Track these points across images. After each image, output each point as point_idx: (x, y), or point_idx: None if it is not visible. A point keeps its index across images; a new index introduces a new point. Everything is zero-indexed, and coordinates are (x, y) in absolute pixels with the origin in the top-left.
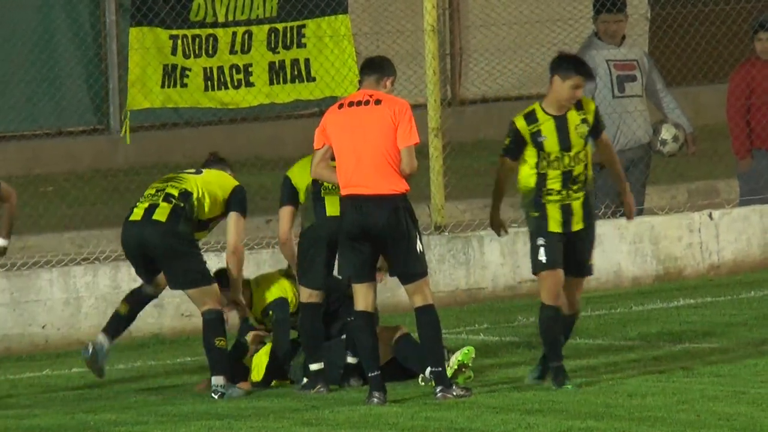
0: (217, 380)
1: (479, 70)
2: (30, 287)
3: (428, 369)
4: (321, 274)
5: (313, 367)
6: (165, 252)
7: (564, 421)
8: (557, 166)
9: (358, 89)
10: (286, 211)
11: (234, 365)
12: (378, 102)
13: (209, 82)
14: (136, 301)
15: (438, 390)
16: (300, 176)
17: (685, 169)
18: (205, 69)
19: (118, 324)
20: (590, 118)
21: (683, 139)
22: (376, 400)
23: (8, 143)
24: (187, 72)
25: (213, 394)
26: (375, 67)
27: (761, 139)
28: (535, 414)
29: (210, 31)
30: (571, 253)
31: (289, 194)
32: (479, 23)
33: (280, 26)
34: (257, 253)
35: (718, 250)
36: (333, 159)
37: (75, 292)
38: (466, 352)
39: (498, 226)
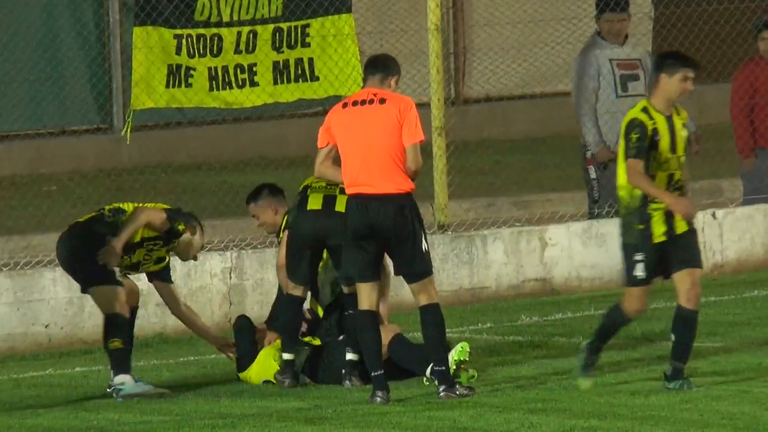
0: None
1: (483, 69)
2: (33, 286)
3: (430, 368)
4: (306, 270)
5: (286, 356)
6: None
7: (567, 420)
8: (666, 167)
9: (362, 88)
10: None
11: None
12: (382, 101)
13: (214, 82)
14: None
15: (441, 389)
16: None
17: (689, 168)
18: (209, 68)
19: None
20: (687, 125)
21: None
22: (379, 399)
23: (12, 142)
24: (192, 71)
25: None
26: (379, 66)
27: (765, 138)
28: (538, 413)
29: (215, 30)
30: (680, 250)
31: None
32: (483, 22)
33: (284, 26)
34: (261, 253)
35: (721, 250)
36: (337, 158)
37: (78, 291)
38: (461, 349)
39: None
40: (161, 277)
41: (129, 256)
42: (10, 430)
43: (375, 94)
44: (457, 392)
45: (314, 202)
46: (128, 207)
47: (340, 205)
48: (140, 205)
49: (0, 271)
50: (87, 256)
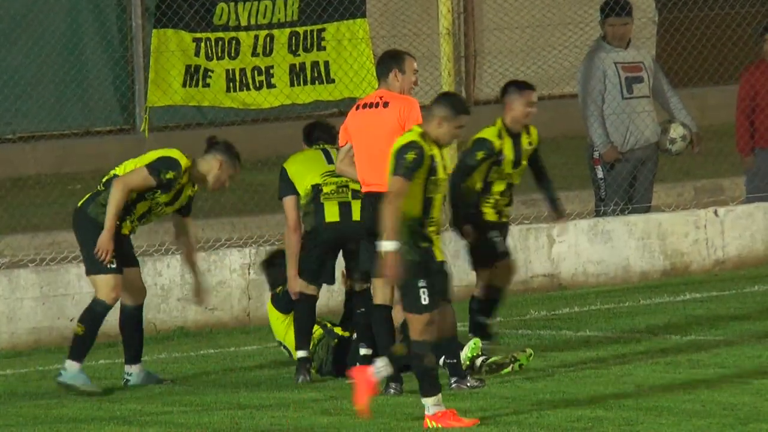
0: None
1: (493, 71)
2: (59, 281)
3: (442, 360)
4: (328, 272)
5: (300, 354)
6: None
7: (574, 411)
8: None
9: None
10: (291, 200)
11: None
12: (386, 104)
13: (231, 84)
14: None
15: (453, 380)
16: (295, 169)
17: (692, 167)
18: (227, 71)
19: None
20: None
21: (690, 138)
22: (393, 390)
23: (38, 142)
24: (210, 73)
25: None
26: (378, 68)
27: (765, 138)
28: (545, 404)
29: (233, 34)
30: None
31: (289, 186)
32: (493, 26)
33: (300, 30)
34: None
35: (723, 246)
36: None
37: None
38: (473, 345)
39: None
40: (180, 211)
41: (131, 213)
42: (36, 419)
43: (381, 97)
44: (468, 384)
45: (331, 213)
46: (120, 171)
47: (356, 214)
48: (132, 164)
49: (26, 267)
50: (83, 245)
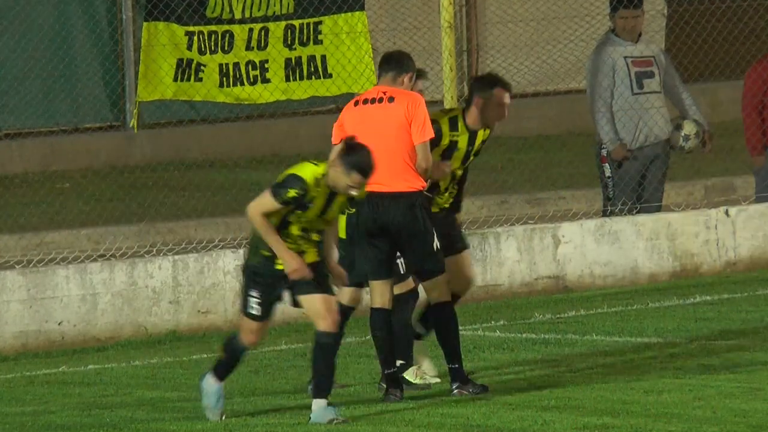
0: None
1: (496, 66)
2: (46, 284)
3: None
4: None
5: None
6: None
7: (580, 418)
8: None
9: (376, 85)
10: None
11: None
12: (391, 99)
13: (225, 78)
14: None
15: (455, 386)
16: None
17: (702, 165)
18: (220, 65)
19: None
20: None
21: (702, 136)
22: (393, 397)
23: (25, 139)
24: (203, 67)
25: None
26: (392, 64)
27: None
28: (551, 411)
29: (226, 27)
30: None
31: None
32: (496, 20)
33: (296, 23)
34: None
35: (734, 247)
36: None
37: (91, 288)
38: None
39: None
40: None
41: (291, 239)
42: (23, 427)
43: (385, 93)
44: (471, 389)
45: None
46: (300, 171)
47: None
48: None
49: (13, 269)
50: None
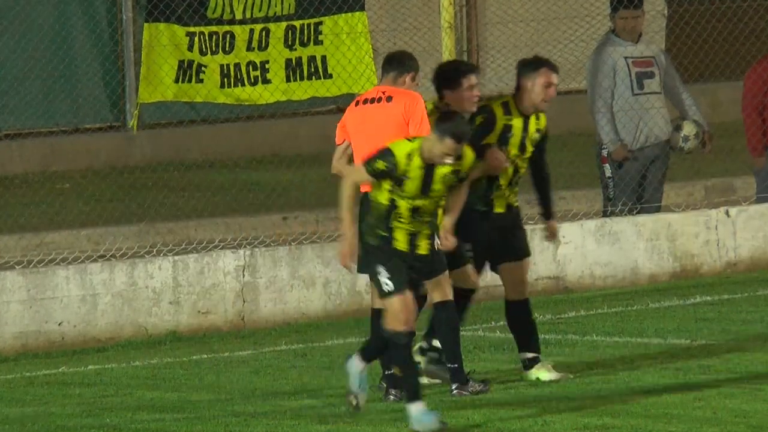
0: None
1: (496, 66)
2: (46, 284)
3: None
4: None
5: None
6: None
7: (580, 419)
8: None
9: (377, 85)
10: None
11: None
12: (389, 99)
13: (226, 79)
14: None
15: (454, 387)
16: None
17: (702, 166)
18: (221, 66)
19: None
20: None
21: (702, 136)
22: (392, 397)
23: (25, 140)
24: (204, 68)
25: None
26: (394, 64)
27: None
28: (551, 411)
29: (227, 28)
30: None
31: None
32: (496, 20)
33: (297, 23)
34: (274, 250)
35: (734, 247)
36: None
37: (91, 289)
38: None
39: None
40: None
41: (400, 219)
42: (23, 427)
43: (384, 92)
44: (470, 389)
45: None
46: (393, 145)
47: None
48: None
49: (13, 269)
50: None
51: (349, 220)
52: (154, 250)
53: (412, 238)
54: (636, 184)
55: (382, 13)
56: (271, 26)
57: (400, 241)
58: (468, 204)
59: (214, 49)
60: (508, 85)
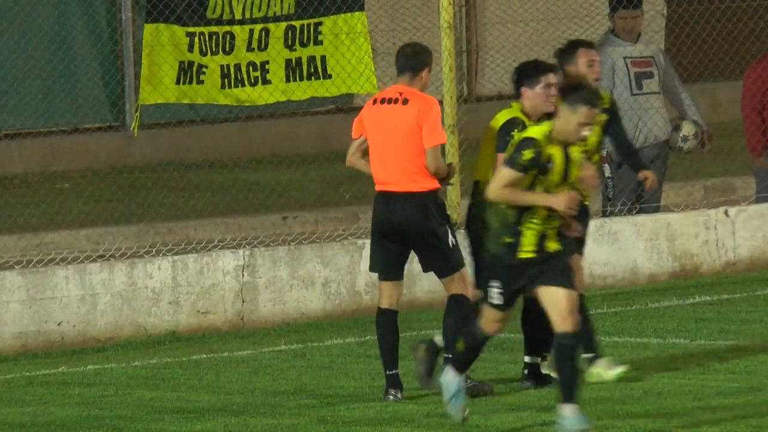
0: None
1: (495, 66)
2: (46, 284)
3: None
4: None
5: (528, 359)
6: None
7: None
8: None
9: (395, 84)
10: None
11: None
12: (405, 101)
13: (226, 80)
14: None
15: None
16: None
17: (702, 165)
18: (221, 66)
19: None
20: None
21: (701, 136)
22: (392, 397)
23: (25, 140)
24: (204, 69)
25: None
26: (409, 61)
27: None
28: (550, 411)
29: (227, 28)
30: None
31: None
32: (496, 20)
33: (297, 24)
34: (273, 250)
35: (734, 247)
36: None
37: (91, 289)
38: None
39: None
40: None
41: (536, 214)
42: (23, 427)
43: (401, 93)
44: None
45: None
46: (527, 133)
47: None
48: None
49: (12, 269)
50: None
51: (534, 193)
52: (154, 250)
53: (541, 240)
54: (635, 184)
55: (381, 13)
56: (271, 26)
57: (527, 247)
58: None
59: (214, 49)
60: (507, 84)
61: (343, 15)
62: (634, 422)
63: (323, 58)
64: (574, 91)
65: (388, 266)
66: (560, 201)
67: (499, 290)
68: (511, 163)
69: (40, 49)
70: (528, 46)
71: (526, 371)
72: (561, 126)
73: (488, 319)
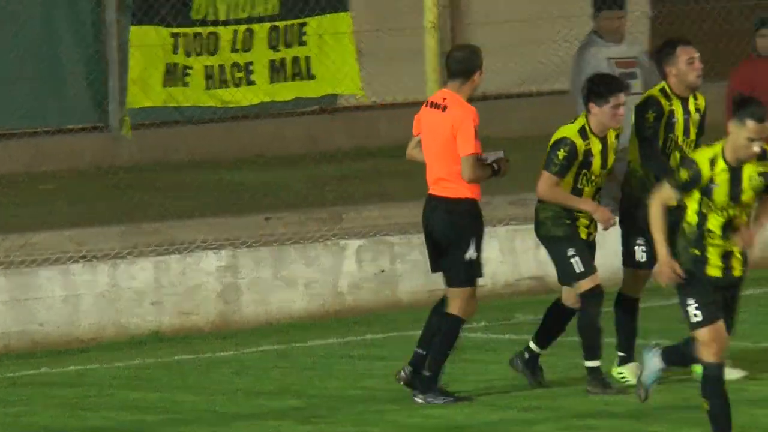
0: None
1: None
2: (29, 285)
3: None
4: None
5: (589, 364)
6: None
7: (563, 419)
8: None
9: (447, 86)
10: None
11: None
12: (445, 108)
13: (210, 81)
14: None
15: (418, 395)
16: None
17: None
18: (206, 67)
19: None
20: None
21: None
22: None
23: (9, 141)
24: (189, 70)
25: None
26: (460, 66)
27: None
28: (533, 411)
29: (211, 29)
30: None
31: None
32: (481, 20)
33: (281, 24)
34: (256, 251)
35: None
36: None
37: (74, 289)
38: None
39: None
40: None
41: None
42: (5, 428)
43: (444, 99)
44: (428, 400)
45: None
46: (700, 152)
47: None
48: None
49: None
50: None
51: (661, 241)
52: (137, 250)
53: (725, 259)
54: (619, 185)
55: (366, 14)
56: (255, 27)
57: (713, 265)
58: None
59: (198, 50)
60: (492, 85)
61: (327, 15)
62: (617, 423)
63: (307, 59)
64: (742, 106)
65: (430, 262)
66: (657, 272)
67: (695, 306)
68: (671, 178)
69: (25, 50)
70: (513, 46)
71: (526, 355)
72: (730, 143)
73: (703, 344)
